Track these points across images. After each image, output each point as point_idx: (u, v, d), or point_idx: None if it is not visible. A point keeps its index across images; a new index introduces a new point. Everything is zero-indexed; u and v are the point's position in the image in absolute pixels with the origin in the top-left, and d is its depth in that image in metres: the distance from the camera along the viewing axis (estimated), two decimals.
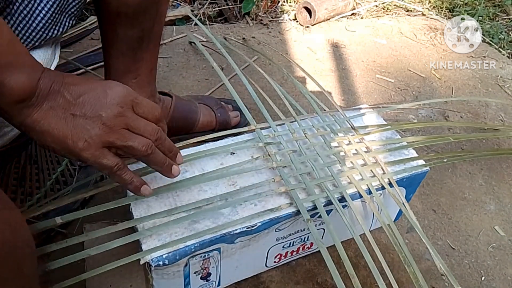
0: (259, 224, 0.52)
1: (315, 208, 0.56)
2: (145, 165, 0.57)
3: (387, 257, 0.72)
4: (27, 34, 0.48)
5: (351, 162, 0.62)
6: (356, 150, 0.65)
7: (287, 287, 0.66)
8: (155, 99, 0.77)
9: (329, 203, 0.56)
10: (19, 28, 0.47)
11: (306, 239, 0.64)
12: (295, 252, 0.66)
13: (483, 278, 0.73)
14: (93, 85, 0.41)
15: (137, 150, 0.42)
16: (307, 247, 0.66)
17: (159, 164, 0.46)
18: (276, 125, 0.66)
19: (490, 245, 0.78)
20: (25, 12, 0.46)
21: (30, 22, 0.47)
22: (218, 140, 0.63)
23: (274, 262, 0.65)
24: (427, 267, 0.72)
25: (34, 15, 0.47)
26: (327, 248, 0.52)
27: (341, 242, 0.69)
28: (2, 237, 0.31)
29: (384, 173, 0.62)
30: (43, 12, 0.47)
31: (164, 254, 0.47)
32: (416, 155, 0.66)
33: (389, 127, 0.70)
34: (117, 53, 0.66)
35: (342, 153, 0.63)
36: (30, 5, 0.46)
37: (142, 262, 0.47)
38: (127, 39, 0.64)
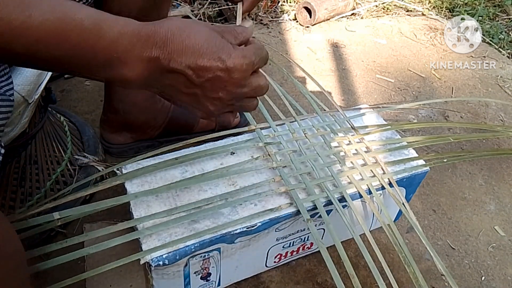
0: (259, 224, 0.52)
1: (315, 208, 0.56)
2: (144, 165, 0.57)
3: (387, 257, 0.72)
4: None
5: (351, 162, 0.62)
6: (356, 150, 0.65)
7: (287, 287, 0.66)
8: (155, 98, 0.77)
9: (329, 203, 0.56)
10: None
11: (306, 239, 0.64)
12: (295, 252, 0.66)
13: (483, 278, 0.73)
14: (212, 48, 0.37)
15: (250, 109, 0.44)
16: (307, 247, 0.66)
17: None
18: (276, 125, 0.66)
19: (490, 245, 0.78)
20: None
21: None
22: (218, 140, 0.63)
23: (274, 262, 0.65)
24: (427, 267, 0.72)
25: None
26: (327, 248, 0.52)
27: (341, 242, 0.69)
28: None
29: (384, 173, 0.62)
30: None
31: (164, 254, 0.47)
32: (416, 155, 0.66)
33: (389, 127, 0.70)
34: None
35: (342, 153, 0.63)
36: None
37: (142, 262, 0.47)
38: None
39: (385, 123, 0.72)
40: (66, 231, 0.68)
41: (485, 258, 0.76)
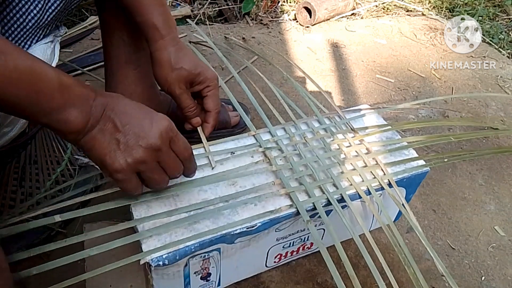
0: (259, 224, 0.52)
1: (315, 208, 0.56)
2: None
3: (387, 257, 0.72)
4: (34, 30, 0.49)
5: (351, 164, 0.62)
6: (356, 152, 0.64)
7: (287, 287, 0.66)
8: (156, 90, 0.76)
9: (329, 203, 0.56)
10: (30, 24, 0.48)
11: (306, 239, 0.64)
12: (295, 252, 0.66)
13: (483, 278, 0.73)
14: (141, 115, 0.45)
15: (156, 183, 0.47)
16: (307, 247, 0.66)
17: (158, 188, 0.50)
18: (276, 129, 0.66)
19: (490, 245, 0.78)
20: (37, 9, 0.47)
21: (41, 17, 0.48)
22: (216, 139, 0.63)
23: (274, 262, 0.65)
24: (427, 267, 0.72)
25: (45, 10, 0.48)
26: (327, 248, 0.52)
27: (342, 241, 0.69)
28: None
29: (384, 174, 0.62)
30: (53, 7, 0.49)
31: (164, 254, 0.47)
32: (417, 155, 0.66)
33: (390, 127, 0.70)
34: (119, 41, 0.66)
35: (342, 155, 0.63)
36: (42, 2, 0.47)
37: (142, 262, 0.47)
38: (128, 25, 0.64)
39: (385, 123, 0.71)
40: (66, 230, 0.68)
41: (485, 258, 0.76)
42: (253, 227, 0.52)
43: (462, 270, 0.73)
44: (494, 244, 0.78)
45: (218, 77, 0.62)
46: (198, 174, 0.57)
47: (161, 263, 0.47)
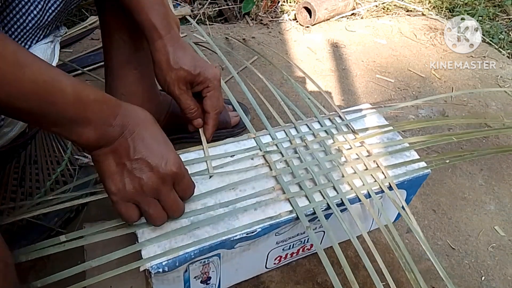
0: (259, 229, 0.52)
1: (315, 212, 0.55)
2: None
3: (388, 256, 0.72)
4: (35, 30, 0.49)
5: (352, 167, 0.62)
6: (356, 154, 0.64)
7: (287, 287, 0.66)
8: (156, 90, 0.76)
9: (329, 207, 0.56)
10: (30, 24, 0.48)
11: (306, 241, 0.64)
12: (295, 254, 0.66)
13: (483, 278, 0.73)
14: (157, 149, 0.44)
15: (152, 219, 0.47)
16: (307, 249, 0.66)
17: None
18: (276, 132, 0.66)
19: (490, 245, 0.78)
20: (37, 9, 0.47)
21: (40, 18, 0.48)
22: (216, 141, 0.63)
23: (274, 264, 0.65)
24: (427, 267, 0.72)
25: (45, 11, 0.48)
26: (328, 248, 0.52)
27: (342, 241, 0.69)
28: None
29: (385, 177, 0.61)
30: (53, 7, 0.49)
31: (164, 261, 0.47)
32: (418, 157, 0.65)
33: (391, 128, 0.70)
34: (119, 41, 0.66)
35: (343, 158, 0.63)
36: (42, 2, 0.47)
37: (142, 269, 0.46)
38: (128, 25, 0.64)
39: (386, 123, 0.71)
40: (66, 231, 0.68)
41: (485, 258, 0.76)
42: (252, 232, 0.52)
43: (462, 270, 0.73)
44: (494, 244, 0.79)
45: (220, 77, 0.61)
46: (198, 179, 0.57)
47: (161, 270, 0.47)
